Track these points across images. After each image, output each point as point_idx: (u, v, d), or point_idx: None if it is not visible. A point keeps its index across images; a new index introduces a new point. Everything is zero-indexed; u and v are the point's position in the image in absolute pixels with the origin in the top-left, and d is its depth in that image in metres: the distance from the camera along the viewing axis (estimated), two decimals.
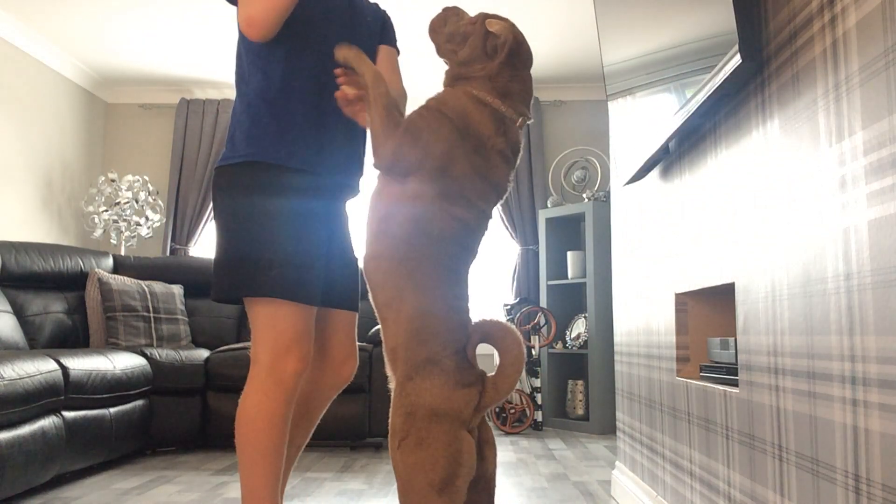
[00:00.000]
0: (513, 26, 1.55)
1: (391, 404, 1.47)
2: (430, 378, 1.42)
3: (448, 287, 1.48)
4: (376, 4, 2.03)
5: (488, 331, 1.47)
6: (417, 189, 1.48)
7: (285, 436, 1.74)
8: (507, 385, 1.43)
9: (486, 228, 1.57)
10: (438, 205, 1.47)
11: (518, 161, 1.59)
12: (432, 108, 1.52)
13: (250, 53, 1.82)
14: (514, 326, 1.48)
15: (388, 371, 1.52)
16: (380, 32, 1.99)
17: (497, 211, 5.48)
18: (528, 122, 1.65)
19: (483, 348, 4.90)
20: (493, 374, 1.46)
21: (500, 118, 1.52)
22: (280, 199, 1.74)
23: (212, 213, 5.51)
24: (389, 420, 1.47)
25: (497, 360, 4.86)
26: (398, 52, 2.04)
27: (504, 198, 1.60)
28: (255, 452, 1.70)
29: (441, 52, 1.63)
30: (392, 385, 1.50)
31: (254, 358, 1.76)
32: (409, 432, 1.40)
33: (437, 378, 1.42)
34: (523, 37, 1.58)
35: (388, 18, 2.04)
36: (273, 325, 1.74)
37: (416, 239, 1.47)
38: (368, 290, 1.57)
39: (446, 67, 1.63)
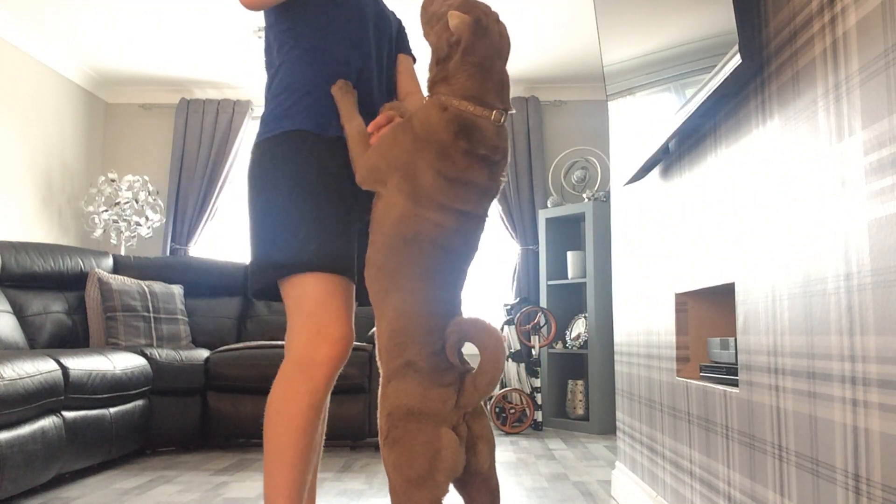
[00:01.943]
0: (472, 22, 1.51)
1: (378, 406, 1.52)
2: (406, 380, 1.45)
3: (430, 290, 1.50)
4: (393, 12, 2.04)
5: (465, 330, 1.48)
6: (392, 198, 1.54)
7: (308, 433, 1.60)
8: (485, 383, 1.44)
9: (472, 229, 1.56)
10: (411, 210, 1.51)
11: (501, 156, 1.56)
12: (403, 122, 1.58)
13: (281, 37, 1.76)
14: (491, 324, 1.48)
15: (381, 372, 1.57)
16: (397, 38, 1.99)
17: (497, 211, 5.48)
18: (510, 113, 1.63)
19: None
20: (472, 372, 1.48)
21: (462, 120, 1.51)
22: (318, 165, 1.66)
23: (213, 213, 5.53)
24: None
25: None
26: (414, 59, 2.03)
27: (494, 196, 1.58)
28: (273, 450, 1.59)
29: (424, 33, 1.65)
30: None
31: (286, 347, 1.64)
32: (388, 432, 1.44)
33: (412, 379, 1.45)
34: (486, 27, 1.53)
35: (403, 26, 2.04)
36: (299, 306, 1.61)
37: (396, 243, 1.52)
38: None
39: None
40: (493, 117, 1.53)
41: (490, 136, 1.53)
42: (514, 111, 1.64)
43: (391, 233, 1.53)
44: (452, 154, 1.51)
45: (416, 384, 1.45)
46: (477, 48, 1.52)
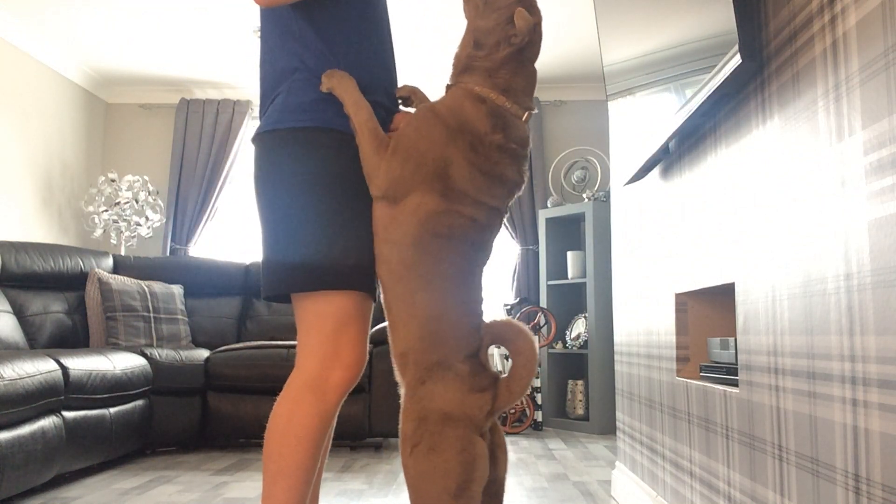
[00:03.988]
0: (536, 26, 1.50)
1: (401, 409, 1.42)
2: (443, 382, 1.38)
3: (462, 289, 1.44)
4: None
5: (499, 332, 1.44)
6: (421, 199, 1.44)
7: (316, 455, 1.51)
8: (520, 388, 1.40)
9: (499, 226, 1.52)
10: (444, 206, 1.43)
11: (527, 151, 1.54)
12: (426, 112, 1.49)
13: (302, 23, 1.57)
14: (525, 327, 1.43)
15: (398, 377, 1.47)
16: None
17: None
18: (533, 113, 1.58)
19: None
20: (505, 376, 1.43)
21: (500, 114, 1.47)
22: (350, 168, 1.52)
23: (213, 213, 5.53)
24: (400, 426, 1.42)
25: (496, 359, 4.83)
26: None
27: (519, 192, 1.54)
28: (279, 469, 1.49)
29: (472, 6, 1.54)
30: (402, 391, 1.46)
31: (296, 362, 1.54)
32: (421, 438, 1.36)
33: (451, 382, 1.38)
34: (540, 34, 1.53)
35: None
36: (319, 325, 1.51)
37: (427, 240, 1.42)
38: (381, 292, 1.52)
39: (456, 51, 1.56)
40: (524, 118, 1.52)
41: (520, 133, 1.51)
42: (536, 111, 1.58)
43: (420, 231, 1.42)
44: (486, 147, 1.45)
45: (455, 388, 1.37)
46: (528, 49, 1.51)
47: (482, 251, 1.49)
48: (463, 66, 1.52)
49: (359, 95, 1.51)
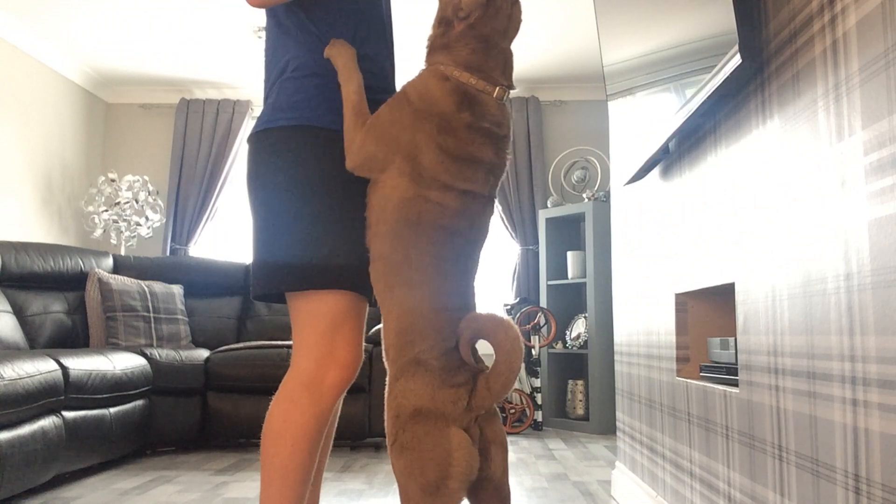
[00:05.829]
0: (486, 1, 1.44)
1: (385, 407, 1.42)
2: (414, 378, 1.36)
3: (438, 282, 1.40)
4: None
5: (480, 326, 1.38)
6: (393, 182, 1.43)
7: (313, 455, 1.51)
8: (499, 385, 1.34)
9: (478, 211, 1.46)
10: (414, 191, 1.40)
11: (506, 132, 1.48)
12: (399, 94, 1.47)
13: (297, 21, 1.59)
14: (510, 319, 1.37)
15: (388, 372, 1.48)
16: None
17: (497, 211, 5.47)
18: (511, 90, 1.53)
19: (485, 347, 4.88)
20: (486, 372, 1.38)
21: (464, 91, 1.42)
22: (340, 168, 1.53)
23: (213, 213, 5.52)
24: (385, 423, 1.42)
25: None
26: None
27: (501, 174, 1.49)
28: (275, 469, 1.49)
29: None
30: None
31: (291, 361, 1.54)
32: (396, 437, 1.35)
33: (421, 378, 1.35)
34: (498, 8, 1.45)
35: None
36: (312, 324, 1.51)
37: (400, 229, 1.41)
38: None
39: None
40: (495, 93, 1.45)
41: (492, 110, 1.45)
42: (515, 88, 1.54)
43: (394, 219, 1.41)
44: (455, 127, 1.41)
45: (424, 383, 1.35)
46: (483, 25, 1.44)
47: (460, 238, 1.43)
48: (429, 47, 1.51)
49: (353, 66, 1.52)
